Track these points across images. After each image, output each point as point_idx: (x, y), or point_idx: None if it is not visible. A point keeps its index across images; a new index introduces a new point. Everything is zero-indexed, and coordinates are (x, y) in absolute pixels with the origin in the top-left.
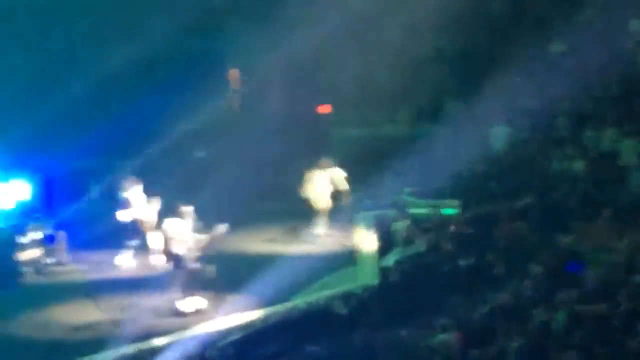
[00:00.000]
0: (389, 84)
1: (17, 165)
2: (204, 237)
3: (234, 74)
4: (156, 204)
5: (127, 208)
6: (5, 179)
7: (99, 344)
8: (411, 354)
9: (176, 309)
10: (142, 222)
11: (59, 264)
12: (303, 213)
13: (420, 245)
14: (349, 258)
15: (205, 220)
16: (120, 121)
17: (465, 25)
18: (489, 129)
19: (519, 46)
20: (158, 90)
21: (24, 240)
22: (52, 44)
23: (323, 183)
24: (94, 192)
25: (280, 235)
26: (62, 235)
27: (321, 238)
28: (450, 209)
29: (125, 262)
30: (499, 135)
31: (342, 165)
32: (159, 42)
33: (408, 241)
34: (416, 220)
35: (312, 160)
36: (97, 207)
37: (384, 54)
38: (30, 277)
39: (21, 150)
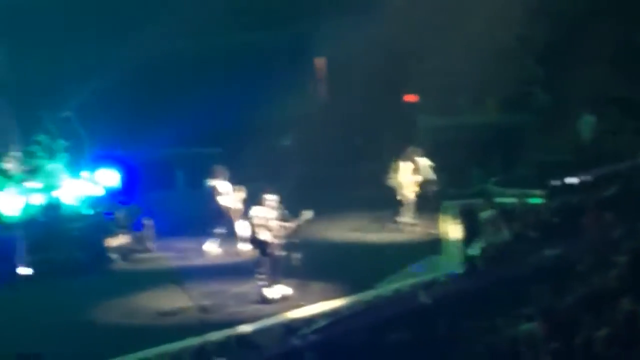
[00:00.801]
0: (476, 73)
1: (106, 153)
2: (289, 225)
3: (320, 62)
4: (242, 192)
5: (214, 196)
6: (95, 168)
7: (185, 330)
8: (495, 343)
9: (262, 296)
10: (229, 209)
11: (146, 251)
12: (389, 201)
13: (506, 234)
14: (434, 246)
15: (290, 208)
16: (207, 110)
17: (552, 15)
18: (576, 118)
19: (606, 36)
20: (245, 78)
21: (112, 227)
22: (139, 34)
23: (409, 172)
24: (180, 180)
25: (366, 224)
26: (149, 222)
27: (407, 226)
28: (536, 198)
29: (212, 249)
30: (586, 125)
31: (428, 154)
32: (246, 31)
33: (494, 230)
34: (502, 210)
35: (398, 149)
36: (183, 195)
37: (470, 42)
38: (118, 263)
39: (110, 138)
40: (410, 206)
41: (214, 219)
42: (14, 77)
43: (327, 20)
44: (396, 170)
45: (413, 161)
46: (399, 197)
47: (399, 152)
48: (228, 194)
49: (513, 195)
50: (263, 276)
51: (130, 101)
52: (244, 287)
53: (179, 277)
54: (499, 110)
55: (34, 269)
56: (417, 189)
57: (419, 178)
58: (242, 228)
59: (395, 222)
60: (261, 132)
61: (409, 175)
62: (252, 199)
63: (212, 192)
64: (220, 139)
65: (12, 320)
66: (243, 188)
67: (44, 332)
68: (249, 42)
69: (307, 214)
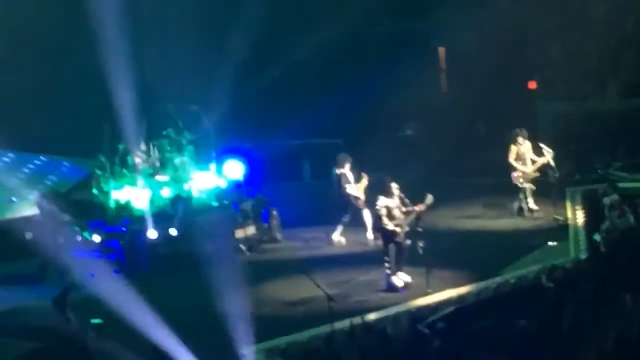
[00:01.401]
0: (599, 58)
1: (232, 146)
2: (412, 209)
3: (441, 52)
4: (365, 180)
5: (341, 184)
6: (222, 160)
7: (314, 319)
8: (623, 329)
9: (389, 284)
10: (354, 198)
11: (272, 241)
12: (509, 189)
13: (630, 219)
14: (558, 233)
15: (413, 197)
16: (332, 101)
17: None
18: None
19: None
20: (368, 69)
21: (239, 218)
22: (265, 27)
23: (527, 156)
24: (306, 171)
25: (489, 210)
26: (274, 213)
27: (528, 213)
28: None
29: (340, 239)
30: None
31: (551, 140)
32: (369, 21)
33: (618, 216)
34: (626, 195)
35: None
36: (309, 186)
37: (594, 27)
38: (246, 254)
39: (236, 131)
40: (528, 192)
41: (341, 208)
42: (141, 70)
43: (448, 8)
44: (514, 153)
45: (523, 144)
46: (515, 182)
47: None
48: (353, 183)
49: (638, 181)
50: (389, 264)
51: (255, 93)
52: (370, 276)
53: (306, 266)
54: (622, 96)
55: (163, 261)
56: (533, 173)
57: (541, 163)
58: (367, 216)
59: (516, 208)
60: (385, 122)
61: (527, 160)
62: (376, 188)
63: (339, 181)
64: (345, 130)
65: (145, 310)
66: (366, 176)
67: (173, 323)
68: (373, 33)
69: (429, 199)
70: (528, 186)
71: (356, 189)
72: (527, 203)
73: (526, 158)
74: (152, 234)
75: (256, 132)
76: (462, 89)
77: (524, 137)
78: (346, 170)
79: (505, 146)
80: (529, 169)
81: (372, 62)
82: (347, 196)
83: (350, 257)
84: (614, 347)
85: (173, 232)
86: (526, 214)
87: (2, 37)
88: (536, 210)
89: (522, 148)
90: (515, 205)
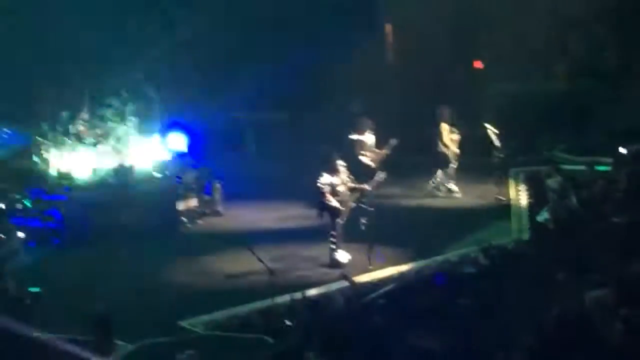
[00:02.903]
0: (545, 40)
1: (175, 118)
2: (360, 188)
3: (389, 28)
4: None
5: (358, 150)
6: (165, 132)
7: (254, 292)
8: (563, 310)
9: (331, 259)
10: (365, 166)
11: (214, 213)
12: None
13: (573, 201)
14: (501, 213)
15: (356, 173)
16: (275, 74)
17: None
18: None
19: None
20: (314, 43)
21: (181, 190)
22: None
23: (450, 134)
24: (249, 144)
25: (431, 189)
26: (217, 185)
27: (472, 192)
28: (603, 166)
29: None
30: None
31: (495, 120)
32: None
33: (561, 197)
34: (569, 177)
35: (465, 115)
36: (251, 158)
37: (540, 9)
38: (187, 226)
39: (179, 102)
40: (451, 171)
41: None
42: (86, 37)
43: None
44: (446, 134)
45: (453, 124)
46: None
47: (463, 118)
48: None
49: (581, 163)
50: (334, 240)
51: (201, 65)
52: (313, 251)
53: (248, 240)
54: (568, 78)
55: (104, 231)
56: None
57: (486, 143)
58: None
59: (450, 187)
60: (330, 97)
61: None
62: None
63: (356, 147)
64: (290, 105)
65: (83, 281)
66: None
67: (114, 293)
68: (321, 6)
69: (380, 176)
70: (449, 164)
71: (372, 157)
72: (451, 182)
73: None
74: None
75: (200, 104)
76: (408, 66)
77: (449, 115)
78: (365, 136)
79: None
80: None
81: (319, 36)
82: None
83: (293, 232)
84: (554, 327)
85: (116, 202)
86: (461, 193)
87: None
88: (475, 190)
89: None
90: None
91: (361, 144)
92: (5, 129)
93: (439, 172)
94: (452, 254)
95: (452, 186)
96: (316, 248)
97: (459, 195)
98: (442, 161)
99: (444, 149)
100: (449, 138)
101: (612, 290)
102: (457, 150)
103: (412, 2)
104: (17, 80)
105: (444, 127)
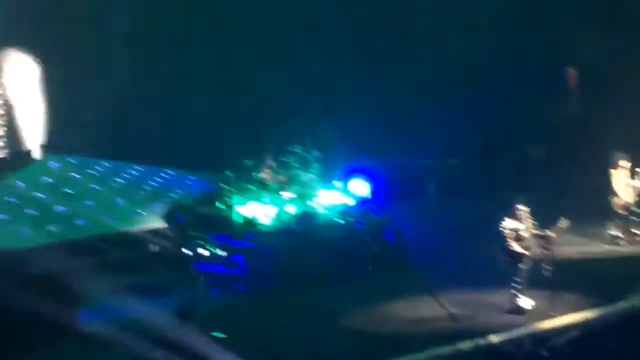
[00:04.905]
0: None
1: (358, 163)
2: (541, 234)
3: (572, 72)
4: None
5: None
6: (347, 178)
7: (436, 338)
8: None
9: (514, 305)
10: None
11: (397, 258)
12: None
13: None
14: None
15: (541, 219)
16: (457, 120)
17: None
18: None
19: None
20: (495, 86)
21: (363, 236)
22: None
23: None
24: (431, 189)
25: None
26: (399, 231)
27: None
28: None
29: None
30: None
31: None
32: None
33: None
34: None
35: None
36: (434, 204)
37: None
38: (371, 271)
39: (362, 148)
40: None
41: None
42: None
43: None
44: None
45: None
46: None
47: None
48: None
49: None
50: (516, 286)
51: (382, 112)
52: (495, 297)
53: (430, 284)
54: None
55: (288, 277)
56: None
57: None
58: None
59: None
60: (513, 141)
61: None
62: (503, 211)
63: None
64: (471, 149)
65: (267, 325)
66: None
67: (297, 337)
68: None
69: (562, 223)
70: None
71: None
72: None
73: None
74: (277, 250)
75: (382, 150)
76: (590, 111)
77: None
78: (620, 171)
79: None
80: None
81: (500, 78)
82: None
83: (476, 277)
84: None
85: (298, 248)
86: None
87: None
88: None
89: (623, 173)
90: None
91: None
92: (191, 176)
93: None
94: (636, 301)
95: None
96: (499, 293)
97: None
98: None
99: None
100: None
101: None
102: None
103: (598, 44)
104: (205, 127)
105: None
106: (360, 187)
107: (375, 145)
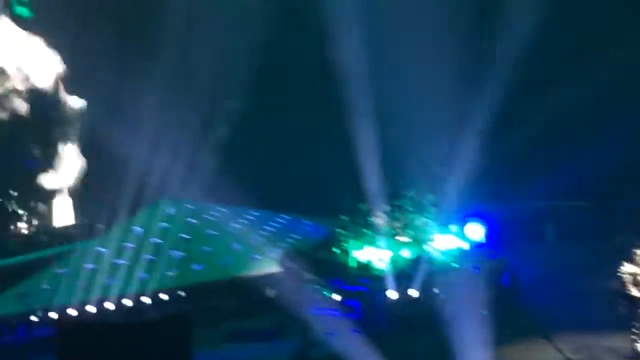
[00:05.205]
0: None
1: (472, 207)
2: None
3: None
4: None
5: None
6: (462, 222)
7: None
8: None
9: (634, 350)
10: None
11: (513, 303)
12: None
13: None
14: None
15: None
16: (576, 162)
17: None
18: None
19: None
20: (616, 127)
21: (480, 280)
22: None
23: None
24: (548, 232)
25: None
26: (515, 275)
27: None
28: None
29: None
30: None
31: None
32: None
33: None
34: None
35: None
36: (550, 248)
37: None
38: (484, 315)
39: (476, 192)
40: None
41: None
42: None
43: None
44: None
45: None
46: None
47: None
48: None
49: None
50: (636, 330)
51: (498, 156)
52: (613, 341)
53: (548, 329)
54: None
55: (401, 321)
56: None
57: None
58: None
59: None
60: (633, 186)
61: None
62: (621, 255)
63: None
64: (591, 193)
65: None
66: None
67: None
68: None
69: None
70: None
71: None
72: None
73: None
74: (392, 294)
75: (497, 194)
76: None
77: None
78: None
79: None
80: None
81: (625, 126)
82: None
83: (593, 320)
84: None
85: (413, 293)
86: None
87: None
88: None
89: None
90: None
91: None
92: (307, 221)
93: None
94: None
95: None
96: (617, 338)
97: None
98: None
99: None
100: None
101: None
102: None
103: None
104: (318, 172)
105: None
106: (476, 231)
107: (491, 188)
